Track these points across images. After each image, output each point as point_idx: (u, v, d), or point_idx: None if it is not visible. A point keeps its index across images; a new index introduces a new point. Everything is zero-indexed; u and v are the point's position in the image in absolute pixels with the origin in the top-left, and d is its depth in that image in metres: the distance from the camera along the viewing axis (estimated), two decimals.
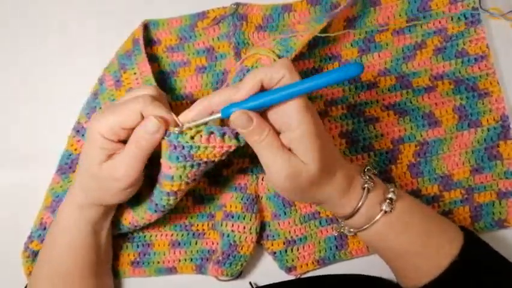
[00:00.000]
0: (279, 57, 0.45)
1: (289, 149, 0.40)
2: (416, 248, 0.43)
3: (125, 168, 0.41)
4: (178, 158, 0.41)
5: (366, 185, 0.43)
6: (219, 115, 0.40)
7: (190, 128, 0.40)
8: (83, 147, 0.44)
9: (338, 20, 0.53)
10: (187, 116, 0.41)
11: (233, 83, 0.45)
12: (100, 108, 0.53)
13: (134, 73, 0.52)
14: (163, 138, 0.41)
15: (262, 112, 0.41)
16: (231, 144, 0.41)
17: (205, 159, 0.41)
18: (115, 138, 0.41)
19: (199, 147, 0.40)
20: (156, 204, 0.46)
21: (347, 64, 0.36)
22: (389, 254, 0.45)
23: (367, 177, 0.43)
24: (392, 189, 0.43)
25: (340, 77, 0.37)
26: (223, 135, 0.40)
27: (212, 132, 0.40)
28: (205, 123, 0.41)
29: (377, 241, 0.44)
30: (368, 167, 0.44)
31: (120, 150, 0.42)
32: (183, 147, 0.40)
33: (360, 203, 0.42)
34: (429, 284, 0.42)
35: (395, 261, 0.45)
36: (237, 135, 0.41)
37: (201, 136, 0.40)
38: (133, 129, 0.41)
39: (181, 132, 0.40)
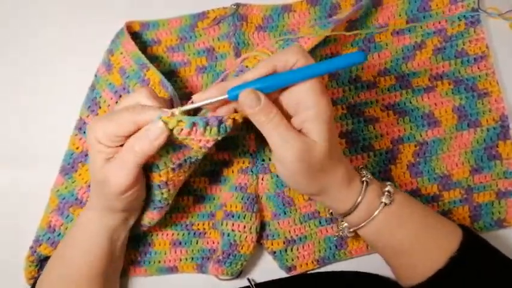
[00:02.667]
0: None
1: (299, 131, 0.41)
2: (415, 243, 0.44)
3: (117, 174, 0.41)
4: None
5: (364, 179, 0.44)
6: (225, 96, 0.40)
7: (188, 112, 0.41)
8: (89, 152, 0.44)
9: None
10: (201, 97, 0.41)
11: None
12: (100, 97, 0.53)
13: (121, 53, 0.53)
14: None
15: (274, 100, 0.41)
16: (210, 138, 0.41)
17: (185, 143, 0.42)
18: (111, 144, 0.41)
19: (177, 138, 0.41)
20: (153, 201, 0.46)
21: (352, 52, 0.40)
22: (388, 251, 0.45)
23: (364, 172, 0.44)
24: (389, 183, 0.44)
25: (346, 62, 0.40)
26: (205, 124, 0.40)
27: (194, 124, 0.40)
28: (200, 108, 0.41)
29: (376, 238, 0.45)
30: (361, 167, 0.45)
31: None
32: None
33: (360, 197, 0.43)
34: (429, 279, 0.42)
35: (395, 258, 0.45)
36: (220, 124, 0.40)
37: (181, 130, 0.39)
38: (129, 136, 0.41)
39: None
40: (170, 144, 0.42)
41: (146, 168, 0.43)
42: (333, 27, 0.49)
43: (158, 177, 0.44)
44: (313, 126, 0.40)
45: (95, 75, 0.54)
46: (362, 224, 0.44)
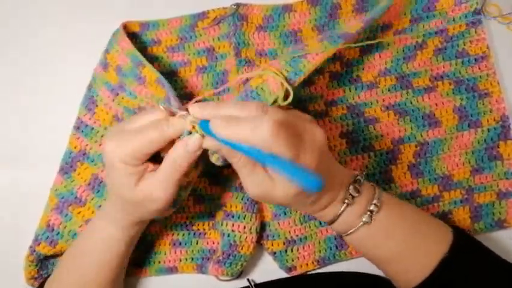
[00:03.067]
0: (286, 79, 0.43)
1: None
2: (402, 253, 0.44)
3: (162, 190, 0.41)
4: None
5: (346, 201, 0.43)
6: (197, 125, 0.40)
7: None
8: (106, 173, 0.43)
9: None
10: (196, 113, 0.41)
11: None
12: (97, 96, 0.54)
13: (117, 51, 0.53)
14: None
15: None
16: None
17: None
18: (139, 163, 0.41)
19: None
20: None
21: (311, 175, 0.32)
22: (375, 260, 0.46)
23: (352, 188, 0.43)
24: (374, 202, 0.43)
25: (302, 181, 0.32)
26: None
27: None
28: None
29: (360, 247, 0.45)
30: (359, 177, 0.44)
31: (149, 169, 0.41)
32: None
33: (339, 213, 0.43)
34: (421, 284, 0.42)
35: (384, 265, 0.46)
36: None
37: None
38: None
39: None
40: None
41: None
42: (344, 43, 0.47)
43: (186, 178, 0.44)
44: (280, 178, 0.40)
45: (93, 75, 0.54)
46: (344, 234, 0.44)
